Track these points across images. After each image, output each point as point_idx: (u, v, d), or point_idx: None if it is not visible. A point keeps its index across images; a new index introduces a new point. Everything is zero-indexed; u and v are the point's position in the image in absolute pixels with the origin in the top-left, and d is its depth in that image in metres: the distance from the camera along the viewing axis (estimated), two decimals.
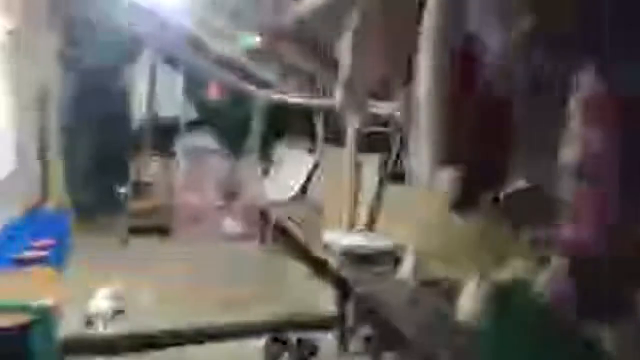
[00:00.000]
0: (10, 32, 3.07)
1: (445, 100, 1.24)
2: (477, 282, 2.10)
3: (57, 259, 2.63)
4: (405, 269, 2.70)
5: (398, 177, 3.56)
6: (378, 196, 3.59)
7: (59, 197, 3.78)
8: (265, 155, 5.30)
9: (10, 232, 2.74)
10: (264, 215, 4.70)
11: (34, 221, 3.07)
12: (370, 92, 2.15)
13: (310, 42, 4.29)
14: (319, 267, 3.52)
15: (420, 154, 1.27)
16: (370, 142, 3.82)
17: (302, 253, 3.85)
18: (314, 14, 3.83)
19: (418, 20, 1.38)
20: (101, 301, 2.84)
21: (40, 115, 3.76)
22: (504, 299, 1.46)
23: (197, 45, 4.87)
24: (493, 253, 1.77)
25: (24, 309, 1.66)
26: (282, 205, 4.52)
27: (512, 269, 1.87)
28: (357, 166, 3.75)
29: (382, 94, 2.31)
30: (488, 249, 1.81)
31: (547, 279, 1.26)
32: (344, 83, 2.05)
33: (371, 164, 3.72)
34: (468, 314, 2.11)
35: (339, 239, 3.25)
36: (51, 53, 4.07)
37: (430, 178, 1.29)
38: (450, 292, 2.35)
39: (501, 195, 1.41)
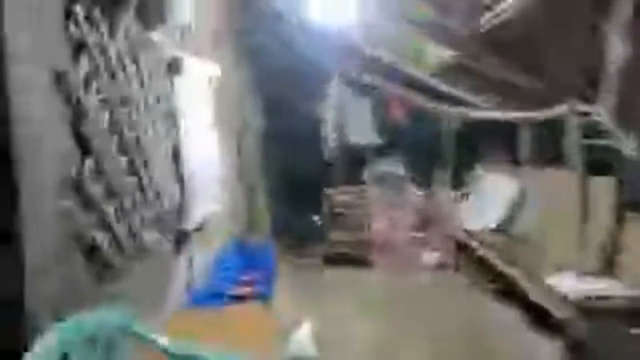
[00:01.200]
0: (214, 77, 3.28)
1: None
2: None
3: (265, 292, 2.61)
4: None
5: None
6: (616, 229, 2.88)
7: (262, 227, 3.91)
8: (460, 180, 4.85)
9: (220, 266, 2.83)
10: (460, 245, 4.27)
11: (241, 253, 3.15)
12: None
13: (513, 49, 3.80)
14: (538, 314, 2.95)
15: None
16: (595, 162, 3.15)
17: (514, 294, 3.30)
18: (523, 15, 3.35)
19: None
20: (304, 339, 2.68)
21: (241, 149, 3.98)
22: None
23: (382, 65, 4.73)
24: None
25: None
26: (482, 235, 4.02)
27: None
28: (584, 191, 3.08)
29: None
30: None
31: None
32: (617, 89, 1.58)
33: (602, 188, 3.03)
34: None
35: (568, 283, 2.68)
36: (246, 89, 4.32)
37: None
38: None
39: None
